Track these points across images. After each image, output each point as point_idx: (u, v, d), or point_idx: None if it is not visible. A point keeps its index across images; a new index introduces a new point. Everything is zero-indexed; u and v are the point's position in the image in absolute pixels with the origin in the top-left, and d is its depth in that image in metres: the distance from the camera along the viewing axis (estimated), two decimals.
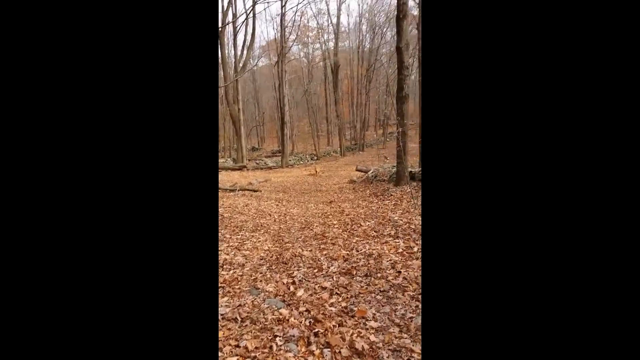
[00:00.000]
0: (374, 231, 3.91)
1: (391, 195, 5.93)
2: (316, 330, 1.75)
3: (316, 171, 14.22)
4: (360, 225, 4.35)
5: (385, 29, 22.60)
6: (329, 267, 2.82)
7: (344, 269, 2.76)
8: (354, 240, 3.61)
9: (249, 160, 20.26)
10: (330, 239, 3.81)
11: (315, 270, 2.77)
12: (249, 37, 16.46)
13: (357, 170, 10.15)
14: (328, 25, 24.07)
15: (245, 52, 16.90)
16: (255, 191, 8.79)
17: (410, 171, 6.44)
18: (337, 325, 1.80)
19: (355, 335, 1.68)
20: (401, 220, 4.26)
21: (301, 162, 18.88)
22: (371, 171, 9.44)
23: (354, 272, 2.65)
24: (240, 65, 16.93)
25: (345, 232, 4.07)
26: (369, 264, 2.83)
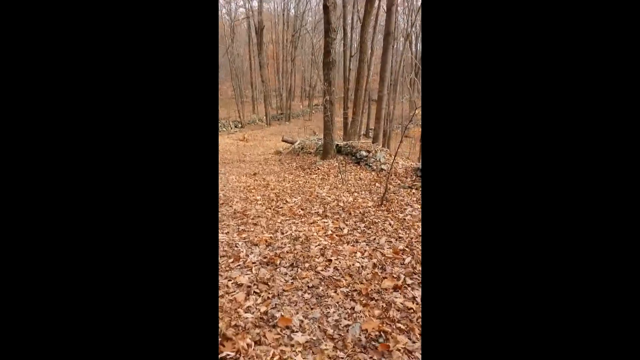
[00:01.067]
0: (301, 209, 3.57)
1: (318, 169, 5.64)
2: (222, 355, 1.32)
3: (245, 138, 13.30)
4: (286, 201, 3.96)
5: None
6: (247, 256, 2.38)
7: (265, 257, 2.35)
8: (279, 220, 3.21)
9: None
10: (252, 219, 3.35)
11: (231, 260, 2.30)
12: None
13: (283, 140, 9.65)
14: None
15: None
16: None
17: (337, 144, 6.21)
18: (254, 344, 1.39)
19: (277, 358, 1.31)
20: (329, 197, 3.99)
21: (224, 129, 17.51)
22: (297, 142, 9.05)
23: (278, 262, 2.27)
24: None
25: (269, 210, 3.64)
26: (295, 250, 2.47)
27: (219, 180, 5.72)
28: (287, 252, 2.41)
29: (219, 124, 18.06)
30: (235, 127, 18.71)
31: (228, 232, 2.95)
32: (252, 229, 2.98)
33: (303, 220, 3.18)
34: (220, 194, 4.65)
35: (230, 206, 3.94)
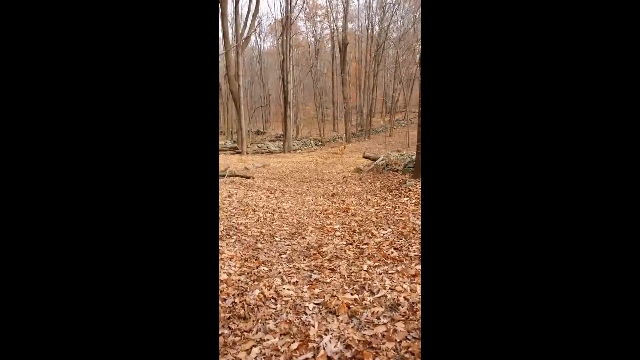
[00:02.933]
0: (394, 248, 2.63)
1: (409, 190, 4.62)
2: None
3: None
4: (372, 235, 3.06)
5: (394, 9, 21.05)
6: (317, 338, 1.54)
7: (346, 342, 1.48)
8: (365, 267, 2.33)
9: (251, 143, 19.06)
10: (328, 260, 2.54)
11: (294, 347, 1.49)
12: (253, 4, 14.86)
13: (364, 157, 8.81)
14: (337, 4, 22.45)
15: (248, 22, 15.38)
16: (247, 178, 7.53)
17: None
18: None
19: None
20: None
21: (305, 148, 17.59)
22: (380, 159, 8.11)
23: (364, 357, 1.38)
24: (244, 36, 15.42)
25: (350, 247, 2.80)
26: (394, 329, 1.55)
27: (295, 201, 5.14)
28: (381, 338, 1.51)
29: (301, 143, 18.23)
30: (316, 144, 18.68)
31: (297, 281, 2.18)
32: (327, 280, 2.16)
33: (399, 268, 2.25)
34: (294, 219, 3.99)
35: (304, 237, 3.22)
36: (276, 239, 3.21)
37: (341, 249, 2.76)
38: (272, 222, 3.85)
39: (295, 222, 3.84)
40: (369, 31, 22.78)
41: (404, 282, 2.02)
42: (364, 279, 2.13)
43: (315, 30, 25.62)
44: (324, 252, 2.73)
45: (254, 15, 15.17)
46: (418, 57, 24.08)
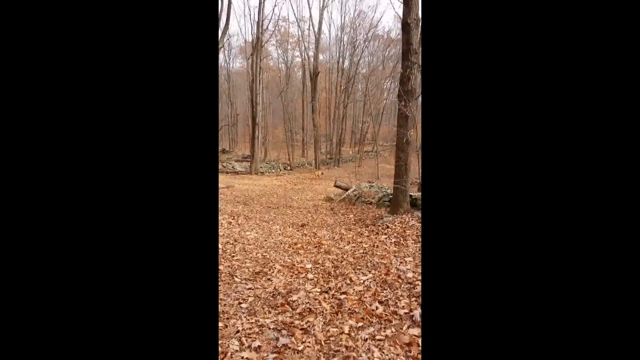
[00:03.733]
0: (379, 302, 2.21)
1: (387, 227, 4.29)
2: None
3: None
4: (351, 280, 2.63)
5: (364, 46, 22.11)
6: None
7: None
8: (346, 328, 1.88)
9: None
10: (299, 314, 2.07)
11: None
12: (223, 20, 14.60)
13: (335, 186, 8.50)
14: (309, 33, 23.11)
15: (218, 37, 15.01)
16: None
17: (411, 195, 4.86)
18: None
19: None
20: (417, 276, 2.60)
21: (273, 171, 17.05)
22: (352, 189, 7.84)
23: None
24: None
25: (326, 297, 2.34)
26: None
27: (261, 230, 4.61)
28: None
29: (269, 165, 17.72)
30: (285, 169, 18.23)
31: (260, 346, 1.67)
32: (299, 346, 1.68)
33: (389, 332, 1.82)
34: (259, 254, 3.47)
35: (269, 278, 2.71)
36: (236, 279, 2.68)
37: (315, 299, 2.30)
38: (233, 257, 3.30)
39: (259, 258, 3.32)
40: (340, 63, 23.51)
41: (398, 355, 1.60)
42: (347, 347, 1.67)
43: (287, 57, 25.96)
44: (294, 301, 2.25)
45: (224, 32, 14.91)
46: (386, 94, 25.28)
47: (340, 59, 23.86)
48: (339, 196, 8.14)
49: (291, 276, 2.80)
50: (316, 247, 3.79)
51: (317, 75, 20.23)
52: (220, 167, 16.72)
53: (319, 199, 8.34)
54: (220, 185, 9.30)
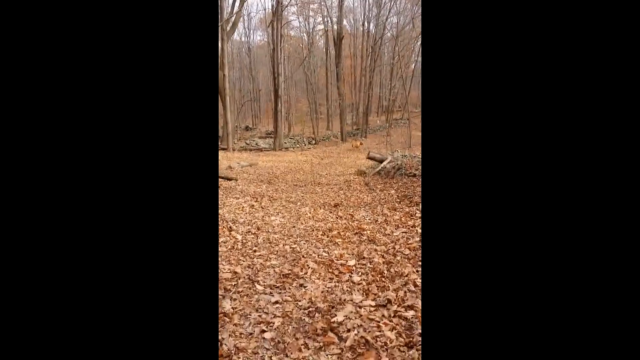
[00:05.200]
0: None
1: None
2: None
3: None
4: (416, 285, 1.88)
5: (390, 5, 20.17)
6: None
7: None
8: None
9: (239, 139, 17.68)
10: (351, 349, 1.35)
11: None
12: None
13: (368, 157, 7.63)
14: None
15: (237, 3, 14.03)
16: (229, 179, 6.29)
17: None
18: None
19: None
20: None
21: (297, 146, 16.33)
22: (388, 160, 6.95)
23: None
24: (230, 24, 14.07)
25: (384, 315, 1.61)
26: None
27: (289, 213, 3.93)
28: None
29: (293, 140, 17.00)
30: (310, 143, 17.44)
31: None
32: None
33: None
34: (288, 244, 2.79)
35: (302, 284, 2.01)
36: (258, 286, 2.00)
37: (370, 319, 1.57)
38: (255, 252, 2.63)
39: (288, 251, 2.63)
40: (365, 27, 21.86)
41: None
42: None
43: (308, 25, 24.36)
44: (340, 325, 1.53)
45: (242, 1, 13.85)
46: (414, 55, 23.34)
47: (366, 23, 22.20)
48: (372, 169, 7.30)
49: (330, 279, 2.09)
50: (356, 233, 3.05)
51: (341, 39, 18.81)
52: (243, 144, 16.22)
53: (349, 173, 7.55)
54: (243, 163, 8.71)
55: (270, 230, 3.24)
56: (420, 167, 5.39)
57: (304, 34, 24.92)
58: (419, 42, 24.84)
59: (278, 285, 2.02)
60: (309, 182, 6.40)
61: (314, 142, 17.77)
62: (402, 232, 2.91)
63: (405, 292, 1.82)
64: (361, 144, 14.38)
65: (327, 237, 3.00)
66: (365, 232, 3.04)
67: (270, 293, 1.91)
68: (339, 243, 2.80)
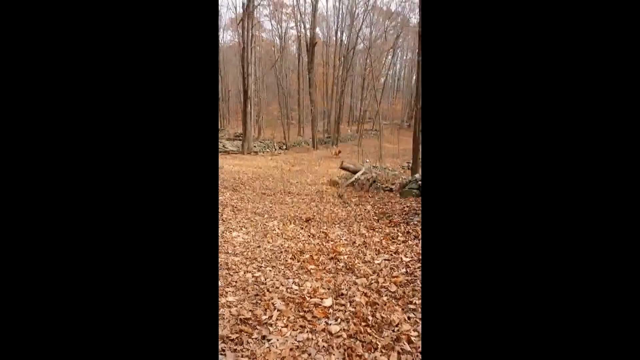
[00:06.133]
0: None
1: None
2: None
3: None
4: (410, 341, 1.47)
5: (363, 17, 20.42)
6: None
7: None
8: None
9: None
10: None
11: None
12: None
13: (342, 168, 7.27)
14: (304, 3, 21.18)
15: None
16: None
17: None
18: None
19: None
20: None
21: (267, 150, 15.72)
22: (361, 172, 6.65)
23: None
24: None
25: None
26: None
27: (254, 228, 3.44)
28: None
29: (263, 144, 16.38)
30: (280, 148, 16.89)
31: None
32: None
33: None
34: (249, 271, 2.30)
35: (266, 338, 1.54)
36: None
37: None
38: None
39: (250, 283, 2.15)
40: (338, 36, 21.90)
41: None
42: None
43: (281, 29, 23.93)
44: None
45: None
46: (384, 69, 23.61)
47: (339, 31, 22.20)
48: (345, 180, 6.95)
49: (302, 326, 1.64)
50: (332, 258, 2.63)
51: (314, 45, 18.57)
52: None
53: (321, 182, 7.15)
54: None
55: (230, 251, 2.73)
56: (395, 181, 5.09)
57: (277, 37, 24.49)
58: (390, 57, 25.38)
59: (233, 337, 1.53)
60: (279, 190, 5.91)
61: (284, 147, 17.26)
62: (385, 260, 2.52)
63: (398, 353, 1.41)
64: (340, 152, 14.14)
65: (298, 261, 2.55)
66: (342, 257, 2.62)
67: (222, 352, 1.42)
68: (311, 271, 2.36)
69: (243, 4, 14.02)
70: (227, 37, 30.04)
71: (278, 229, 3.48)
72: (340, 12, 21.83)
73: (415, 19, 23.82)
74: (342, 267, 2.45)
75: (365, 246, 2.90)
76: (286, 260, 2.57)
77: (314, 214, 4.22)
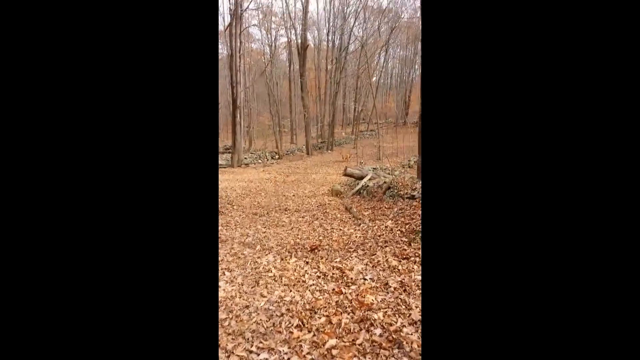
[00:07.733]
0: None
1: None
2: None
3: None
4: None
5: (355, 15, 19.75)
6: None
7: None
8: None
9: None
10: None
11: None
12: None
13: (346, 174, 6.33)
14: (293, 9, 20.52)
15: None
16: None
17: None
18: None
19: None
20: None
21: (259, 161, 14.75)
22: (368, 177, 5.72)
23: None
24: None
25: None
26: None
27: (243, 270, 2.49)
28: None
29: (254, 155, 15.44)
30: (272, 158, 15.94)
31: None
32: None
33: None
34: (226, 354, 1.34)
35: None
36: None
37: None
38: None
39: None
40: (329, 37, 21.25)
41: None
42: None
43: (270, 37, 23.18)
44: None
45: None
46: (378, 67, 22.98)
47: (330, 33, 21.55)
48: (349, 187, 6.02)
49: None
50: (360, 320, 1.68)
51: (306, 48, 17.75)
52: None
53: (322, 193, 6.21)
54: None
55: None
56: (416, 185, 4.16)
57: (266, 46, 23.73)
58: (383, 54, 24.74)
59: None
60: (273, 207, 4.96)
61: (277, 156, 16.30)
62: None
63: None
64: (350, 155, 13.19)
65: (309, 331, 1.60)
66: (375, 316, 1.67)
67: None
68: (334, 354, 1.41)
69: (230, 9, 13.21)
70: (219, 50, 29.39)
71: (274, 267, 2.53)
72: (332, 13, 21.22)
73: (406, 13, 23.28)
74: (380, 336, 1.50)
75: (405, 290, 1.96)
76: (290, 332, 1.62)
77: (320, 237, 3.27)
